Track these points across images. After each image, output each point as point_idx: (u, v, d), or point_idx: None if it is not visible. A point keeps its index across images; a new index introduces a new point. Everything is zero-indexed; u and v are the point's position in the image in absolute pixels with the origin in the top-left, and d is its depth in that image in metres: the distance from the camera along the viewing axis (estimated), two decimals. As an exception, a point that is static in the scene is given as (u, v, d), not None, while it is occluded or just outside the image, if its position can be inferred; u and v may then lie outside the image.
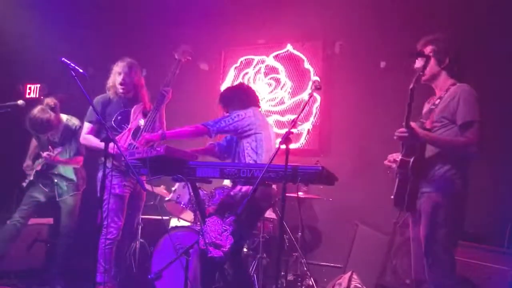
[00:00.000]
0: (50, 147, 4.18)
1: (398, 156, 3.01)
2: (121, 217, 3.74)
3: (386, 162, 3.10)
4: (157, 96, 3.84)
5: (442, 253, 2.73)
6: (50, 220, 4.85)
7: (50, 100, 4.20)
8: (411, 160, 2.79)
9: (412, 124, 2.76)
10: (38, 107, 4.13)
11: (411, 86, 2.75)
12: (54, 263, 4.39)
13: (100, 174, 3.67)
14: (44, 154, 4.14)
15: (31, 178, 4.34)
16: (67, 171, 4.38)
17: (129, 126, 3.78)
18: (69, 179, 4.38)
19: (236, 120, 3.36)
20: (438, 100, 2.89)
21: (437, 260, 2.73)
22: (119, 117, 3.80)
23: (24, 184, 4.35)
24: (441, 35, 2.96)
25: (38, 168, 4.31)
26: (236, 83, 5.62)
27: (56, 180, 4.35)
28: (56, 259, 4.37)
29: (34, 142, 4.50)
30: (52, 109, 4.16)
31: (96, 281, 3.26)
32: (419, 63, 2.93)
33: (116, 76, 3.85)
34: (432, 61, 2.90)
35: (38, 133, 4.26)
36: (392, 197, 3.01)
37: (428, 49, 2.92)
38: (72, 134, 4.29)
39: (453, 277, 2.77)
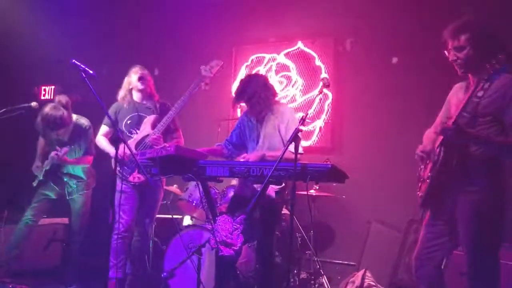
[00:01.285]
0: (57, 147, 4.21)
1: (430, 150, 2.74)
2: (127, 212, 3.79)
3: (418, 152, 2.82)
4: (168, 111, 3.91)
5: (489, 260, 2.49)
6: (66, 220, 4.88)
7: (62, 98, 4.24)
8: (454, 161, 2.53)
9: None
10: (50, 105, 4.18)
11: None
12: (69, 262, 4.45)
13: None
14: (52, 153, 4.17)
15: (41, 177, 4.35)
16: (76, 170, 4.40)
17: (138, 133, 3.87)
18: (78, 177, 4.40)
19: None
20: (482, 92, 2.46)
21: (484, 269, 2.50)
22: (128, 121, 3.84)
23: (34, 184, 4.35)
24: (473, 18, 2.61)
25: (48, 167, 4.30)
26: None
27: (65, 179, 4.36)
28: (70, 258, 4.43)
29: (41, 142, 4.49)
30: (64, 106, 4.19)
31: (108, 276, 3.33)
32: (454, 55, 2.61)
33: (134, 82, 3.97)
34: (468, 50, 2.55)
35: (50, 130, 4.25)
36: (419, 194, 2.77)
37: (462, 39, 2.56)
38: (81, 134, 4.31)
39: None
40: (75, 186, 4.39)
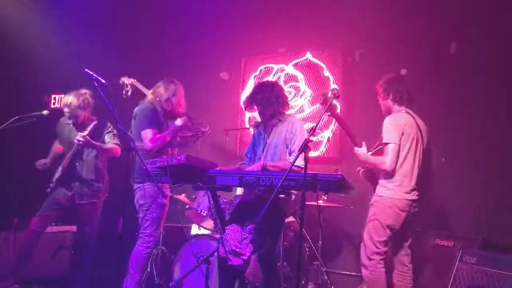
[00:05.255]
0: (78, 133, 4.16)
1: None
2: (161, 227, 3.82)
3: None
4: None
5: None
6: (74, 228, 4.89)
7: (87, 91, 4.33)
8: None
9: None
10: (74, 91, 4.29)
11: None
12: (77, 271, 4.42)
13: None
14: (77, 138, 4.08)
15: (57, 177, 4.29)
16: (89, 174, 4.33)
17: None
18: (91, 183, 4.33)
19: None
20: None
21: None
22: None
23: (49, 190, 4.30)
24: (388, 76, 3.77)
25: (57, 175, 4.29)
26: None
27: (77, 183, 4.30)
28: (79, 267, 4.40)
29: (55, 145, 4.55)
30: (87, 94, 4.29)
31: (124, 287, 3.34)
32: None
33: (172, 96, 3.98)
34: (382, 98, 3.74)
35: (71, 114, 4.27)
36: None
37: (380, 89, 3.74)
38: (103, 131, 4.34)
39: None
40: (85, 191, 4.32)
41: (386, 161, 3.42)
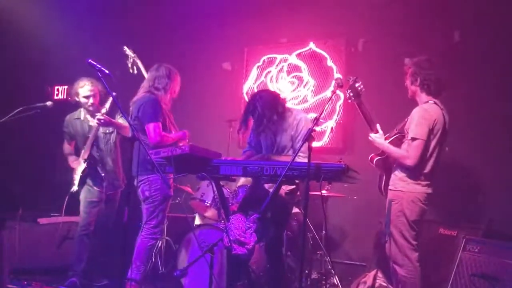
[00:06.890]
0: (96, 114, 4.17)
1: None
2: (165, 218, 3.85)
3: None
4: None
5: None
6: (78, 219, 4.93)
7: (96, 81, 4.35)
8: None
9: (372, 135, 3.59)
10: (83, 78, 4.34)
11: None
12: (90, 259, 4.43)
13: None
14: (97, 117, 4.09)
15: (76, 187, 4.30)
16: (110, 162, 4.40)
17: None
18: (113, 172, 4.41)
19: None
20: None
21: None
22: None
23: (74, 189, 4.30)
24: (419, 59, 3.46)
25: (80, 171, 4.31)
26: (259, 81, 5.67)
27: (103, 175, 4.36)
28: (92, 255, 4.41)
29: (65, 145, 4.57)
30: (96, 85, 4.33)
31: (130, 277, 3.36)
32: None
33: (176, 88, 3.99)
34: (409, 82, 3.49)
35: (92, 92, 4.32)
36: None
37: (408, 71, 3.49)
38: (115, 113, 4.35)
39: None
40: (112, 182, 4.40)
41: (411, 157, 3.27)
